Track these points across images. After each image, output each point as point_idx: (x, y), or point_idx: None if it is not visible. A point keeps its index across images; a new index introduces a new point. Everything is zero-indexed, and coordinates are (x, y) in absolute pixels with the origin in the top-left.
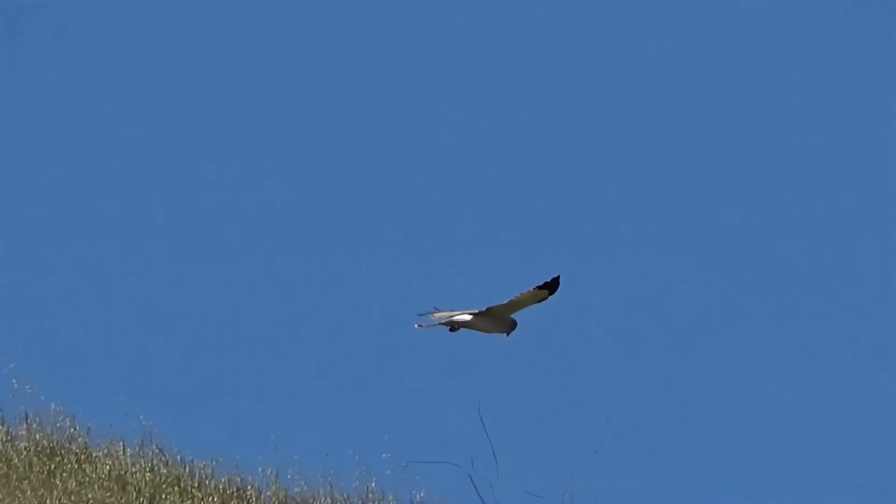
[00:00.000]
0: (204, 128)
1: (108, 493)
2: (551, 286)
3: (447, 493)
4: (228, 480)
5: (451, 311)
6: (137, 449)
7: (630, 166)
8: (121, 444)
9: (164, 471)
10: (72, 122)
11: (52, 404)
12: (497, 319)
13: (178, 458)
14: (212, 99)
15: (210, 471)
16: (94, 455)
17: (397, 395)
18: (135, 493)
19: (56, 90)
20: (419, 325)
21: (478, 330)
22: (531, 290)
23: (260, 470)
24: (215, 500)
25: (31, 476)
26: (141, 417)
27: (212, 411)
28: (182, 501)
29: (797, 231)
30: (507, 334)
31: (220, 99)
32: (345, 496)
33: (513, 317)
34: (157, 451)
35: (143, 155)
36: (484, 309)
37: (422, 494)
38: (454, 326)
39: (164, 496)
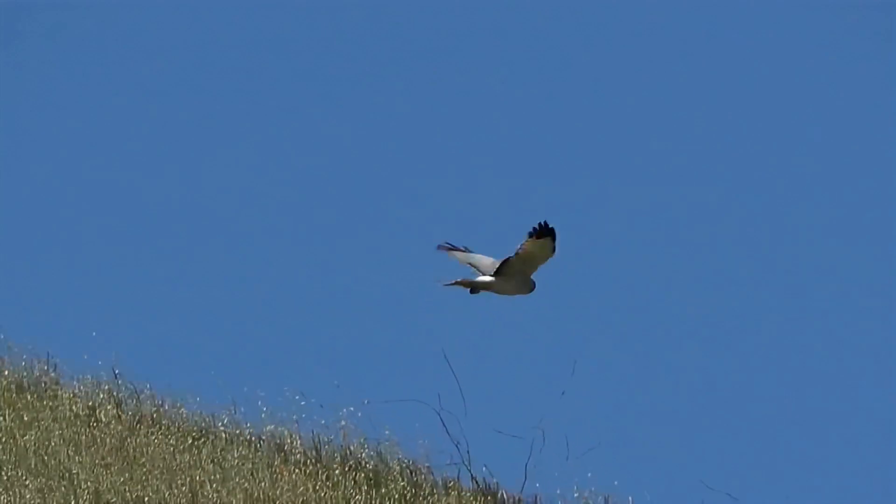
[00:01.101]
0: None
1: (80, 431)
2: (541, 231)
3: (415, 432)
4: (198, 419)
5: (467, 250)
6: (108, 386)
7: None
8: (89, 379)
9: (135, 408)
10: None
11: (23, 342)
12: (516, 281)
13: (150, 396)
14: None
15: (181, 409)
16: (64, 392)
17: (363, 335)
18: (106, 431)
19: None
20: (443, 284)
21: (499, 292)
22: (527, 241)
23: (230, 410)
24: (186, 438)
25: (4, 413)
26: (113, 357)
27: (183, 350)
28: (152, 439)
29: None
30: (530, 291)
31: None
32: (313, 434)
33: (532, 277)
34: (128, 388)
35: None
36: (499, 265)
37: (388, 432)
38: (475, 289)
39: (135, 433)
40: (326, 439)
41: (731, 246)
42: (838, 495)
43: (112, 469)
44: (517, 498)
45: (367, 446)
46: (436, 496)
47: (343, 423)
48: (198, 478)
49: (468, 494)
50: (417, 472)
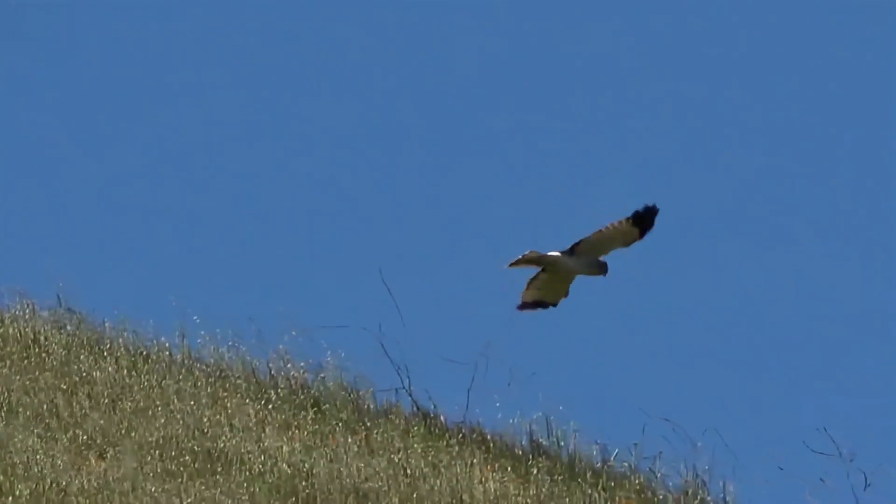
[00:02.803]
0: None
1: (21, 355)
2: (643, 218)
3: (357, 357)
4: (138, 343)
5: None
6: (49, 311)
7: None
8: (32, 305)
9: (76, 332)
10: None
11: None
12: (586, 259)
13: (90, 320)
14: None
15: (121, 333)
16: (5, 316)
17: (305, 261)
18: (46, 355)
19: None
20: (508, 264)
21: (566, 270)
22: (621, 221)
23: (175, 336)
24: (125, 361)
25: None
26: (59, 283)
27: (122, 275)
28: (93, 362)
29: None
30: (603, 275)
31: None
32: (252, 360)
33: (603, 259)
34: (68, 312)
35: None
36: (571, 246)
37: (330, 357)
38: (544, 268)
39: (75, 357)
40: (269, 365)
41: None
42: (772, 417)
43: (54, 392)
44: (458, 422)
45: (308, 371)
46: (377, 421)
47: (284, 348)
48: (141, 403)
49: (409, 419)
50: (359, 397)
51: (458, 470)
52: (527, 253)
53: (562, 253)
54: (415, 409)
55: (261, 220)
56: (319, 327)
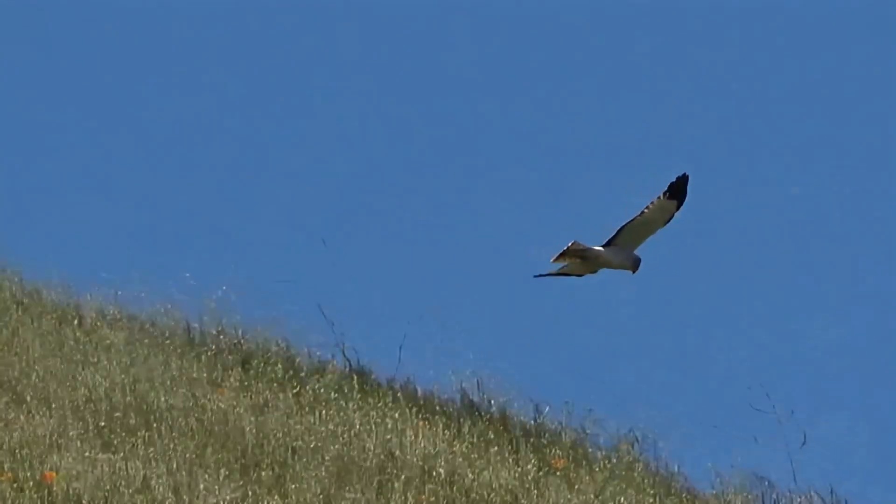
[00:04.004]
0: None
1: None
2: (678, 188)
3: (291, 313)
4: (69, 298)
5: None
6: None
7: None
8: None
9: (6, 287)
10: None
11: None
12: (626, 253)
13: (19, 275)
14: None
15: (51, 289)
16: None
17: (240, 217)
18: None
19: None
20: (552, 260)
21: (605, 265)
22: (658, 198)
23: (108, 292)
24: (53, 319)
25: None
26: None
27: (56, 232)
28: (21, 318)
29: None
30: (634, 271)
31: None
32: (183, 315)
33: (636, 253)
34: None
35: None
36: (610, 238)
37: (263, 313)
38: (584, 255)
39: (4, 313)
40: (200, 320)
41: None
42: (707, 375)
43: None
44: (390, 380)
45: (240, 328)
46: (310, 377)
47: (217, 305)
48: (74, 357)
49: (342, 376)
50: (292, 353)
51: (390, 426)
52: (570, 245)
53: (603, 247)
54: (348, 366)
55: (198, 177)
56: (255, 284)
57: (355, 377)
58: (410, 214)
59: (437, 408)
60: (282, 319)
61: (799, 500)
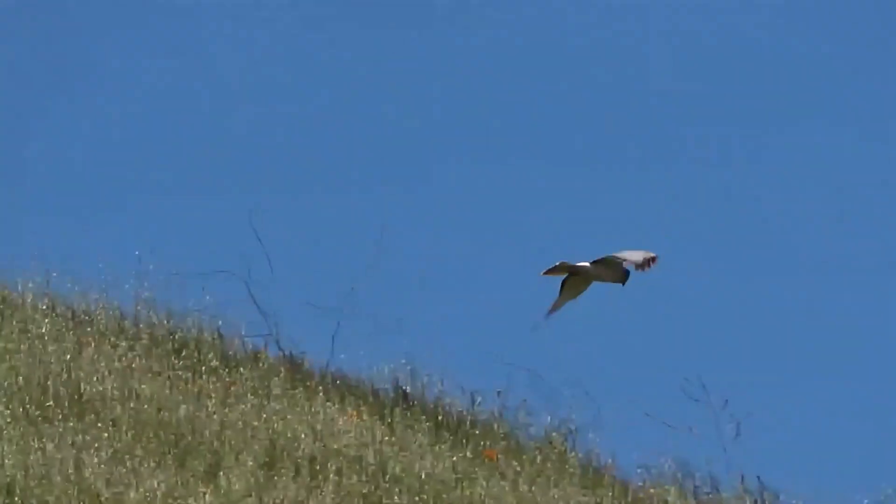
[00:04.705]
0: None
1: None
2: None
3: (223, 302)
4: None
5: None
6: None
7: None
8: None
9: None
10: None
11: None
12: (614, 269)
13: None
14: None
15: None
16: None
17: (170, 205)
18: None
19: None
20: (543, 272)
21: (595, 279)
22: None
23: (41, 280)
24: None
25: None
26: None
27: None
28: None
29: None
30: (623, 283)
31: None
32: (116, 304)
33: (626, 266)
34: None
35: None
36: (597, 259)
37: (192, 303)
38: (574, 271)
39: None
40: (137, 309)
41: None
42: (641, 365)
43: None
44: (323, 369)
45: (173, 316)
46: (242, 366)
47: (150, 293)
48: (7, 346)
49: (274, 364)
50: (224, 342)
51: (322, 416)
52: (559, 263)
53: (591, 263)
54: (280, 355)
55: (130, 162)
56: (187, 273)
57: (288, 366)
58: (345, 202)
59: (370, 397)
60: (215, 308)
61: (732, 491)
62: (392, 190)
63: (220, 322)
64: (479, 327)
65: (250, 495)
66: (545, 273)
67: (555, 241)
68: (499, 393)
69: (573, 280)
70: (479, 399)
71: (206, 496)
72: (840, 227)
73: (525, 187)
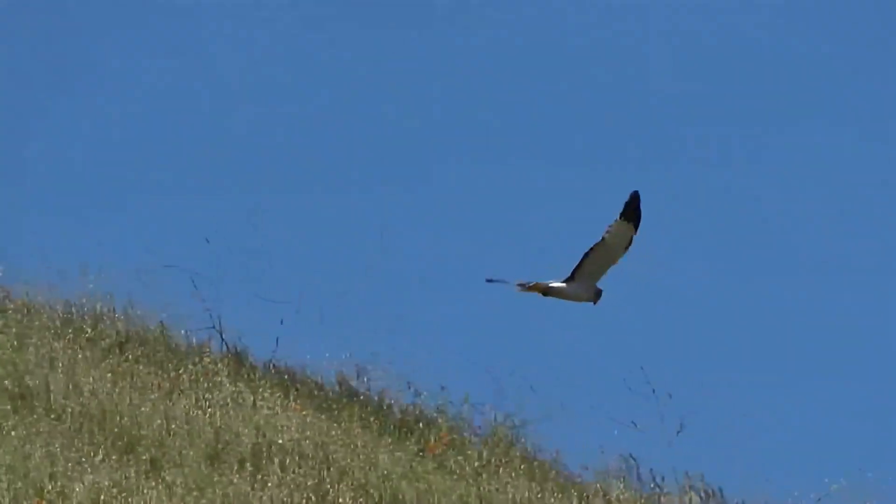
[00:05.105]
0: None
1: None
2: (631, 207)
3: (168, 296)
4: None
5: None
6: None
7: None
8: None
9: None
10: None
11: None
12: (587, 286)
13: None
14: None
15: None
16: None
17: (120, 199)
18: None
19: None
20: (518, 289)
21: (569, 298)
22: (612, 224)
23: None
24: None
25: None
26: None
27: None
28: None
29: None
30: (595, 303)
31: None
32: (62, 298)
33: (598, 285)
34: None
35: None
36: (572, 271)
37: (133, 297)
38: (547, 292)
39: None
40: (82, 302)
41: None
42: (586, 359)
43: None
44: (268, 363)
45: (116, 310)
46: (188, 359)
47: (95, 286)
48: None
49: (219, 358)
50: (168, 336)
51: (267, 411)
52: (533, 284)
53: (565, 282)
54: (225, 349)
55: (129, 162)
56: (135, 268)
57: (232, 360)
58: (345, 202)
59: (315, 391)
60: (160, 302)
61: (675, 485)
62: (392, 190)
63: (164, 316)
64: (424, 322)
65: (195, 489)
66: (519, 290)
67: (555, 241)
68: (443, 388)
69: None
70: (423, 394)
71: (151, 490)
72: (840, 227)
73: (525, 187)
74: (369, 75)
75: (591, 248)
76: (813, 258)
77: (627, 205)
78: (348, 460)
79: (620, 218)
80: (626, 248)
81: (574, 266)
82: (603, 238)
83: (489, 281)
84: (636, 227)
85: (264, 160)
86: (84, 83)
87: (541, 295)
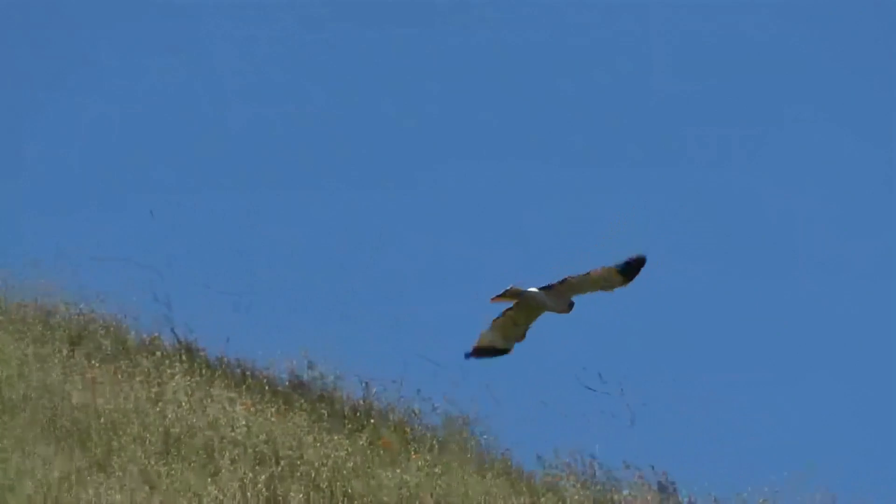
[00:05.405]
0: None
1: None
2: (631, 268)
3: (120, 289)
4: None
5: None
6: None
7: None
8: None
9: None
10: None
11: None
12: (560, 298)
13: None
14: None
15: None
16: None
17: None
18: None
19: None
20: (491, 299)
21: (540, 306)
22: (609, 269)
23: None
24: None
25: None
26: None
27: None
28: None
29: None
30: (567, 312)
31: None
32: (14, 292)
33: (572, 298)
34: None
35: None
36: (554, 283)
37: (87, 290)
38: (519, 297)
39: None
40: (35, 299)
41: None
42: (540, 355)
43: None
44: (220, 357)
45: (70, 304)
46: (139, 353)
47: (45, 280)
48: None
49: (171, 352)
50: (120, 330)
51: (219, 405)
52: (509, 288)
53: (540, 289)
54: (177, 343)
55: (128, 161)
56: (88, 259)
57: (184, 354)
58: (345, 202)
59: (266, 385)
60: (112, 296)
61: (627, 479)
62: (392, 190)
63: (117, 310)
64: (377, 317)
65: (145, 482)
66: (494, 300)
67: (555, 241)
68: (395, 382)
69: (516, 315)
70: (375, 388)
71: (101, 484)
72: (840, 228)
73: (525, 187)
74: (368, 75)
75: (577, 277)
76: (813, 258)
77: (630, 265)
78: (299, 454)
79: (618, 272)
80: (611, 290)
81: (554, 281)
82: (590, 274)
83: (473, 355)
84: (628, 283)
85: (262, 158)
86: (82, 82)
87: (514, 301)
